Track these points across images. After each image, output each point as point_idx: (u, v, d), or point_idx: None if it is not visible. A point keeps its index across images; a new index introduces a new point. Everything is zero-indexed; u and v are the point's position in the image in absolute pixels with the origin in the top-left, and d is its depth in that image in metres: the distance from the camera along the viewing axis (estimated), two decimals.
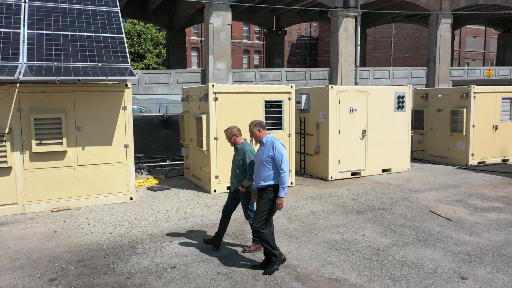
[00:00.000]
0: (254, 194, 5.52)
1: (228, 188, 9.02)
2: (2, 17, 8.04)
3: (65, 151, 7.93)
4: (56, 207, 7.94)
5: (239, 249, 5.93)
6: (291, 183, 10.00)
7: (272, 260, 5.16)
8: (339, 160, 10.66)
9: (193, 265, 5.40)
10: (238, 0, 25.96)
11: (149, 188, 9.68)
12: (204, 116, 9.05)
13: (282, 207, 5.16)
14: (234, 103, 9.25)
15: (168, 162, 12.71)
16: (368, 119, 10.95)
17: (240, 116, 9.20)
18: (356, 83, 26.72)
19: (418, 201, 8.57)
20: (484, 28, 56.85)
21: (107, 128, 8.23)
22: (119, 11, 9.16)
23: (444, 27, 28.68)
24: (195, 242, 6.24)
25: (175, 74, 24.49)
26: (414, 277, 5.05)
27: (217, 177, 9.22)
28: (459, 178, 10.87)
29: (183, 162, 12.37)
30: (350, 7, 26.02)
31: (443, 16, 28.39)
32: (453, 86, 28.45)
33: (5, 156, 7.46)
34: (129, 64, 8.15)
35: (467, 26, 46.07)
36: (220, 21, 23.61)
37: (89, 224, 7.11)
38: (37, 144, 7.61)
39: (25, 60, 7.54)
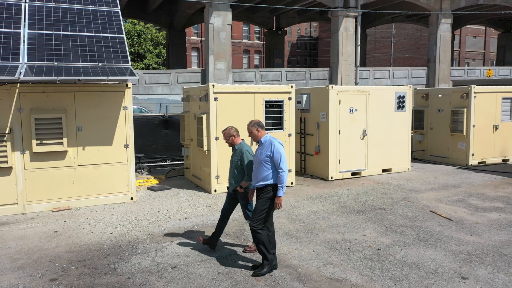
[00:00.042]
0: (251, 193, 5.52)
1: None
2: (3, 17, 8.05)
3: (66, 151, 7.93)
4: (56, 207, 7.94)
5: (240, 249, 5.93)
6: (292, 183, 10.01)
7: (263, 263, 5.13)
8: (339, 160, 10.66)
9: (194, 265, 5.40)
10: (238, 0, 25.96)
11: (149, 188, 9.68)
12: (204, 116, 9.05)
13: (281, 207, 5.16)
14: (235, 103, 9.25)
15: (168, 162, 12.71)
16: (368, 119, 10.95)
17: (240, 116, 9.20)
18: (356, 83, 26.72)
19: (419, 201, 8.57)
20: (484, 28, 56.86)
21: (108, 128, 8.23)
22: (120, 11, 9.16)
23: (444, 27, 28.68)
24: (195, 242, 6.24)
25: (175, 74, 24.49)
26: (415, 277, 5.05)
27: (217, 177, 9.22)
28: (459, 178, 10.87)
29: (183, 162, 12.38)
30: (350, 7, 26.02)
31: (443, 16, 28.39)
32: (453, 86, 28.46)
33: (6, 156, 7.46)
34: (130, 64, 8.15)
35: (467, 26, 46.08)
36: (220, 21, 23.61)
37: (89, 224, 7.11)
38: (37, 144, 7.61)
39: (25, 60, 7.54)
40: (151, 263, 5.48)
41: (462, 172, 11.68)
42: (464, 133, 12.39)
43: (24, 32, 7.98)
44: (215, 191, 9.24)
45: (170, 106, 23.05)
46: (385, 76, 29.08)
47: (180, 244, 6.15)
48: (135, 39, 48.60)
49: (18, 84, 7.51)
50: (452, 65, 37.74)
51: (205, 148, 9.13)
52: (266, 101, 9.59)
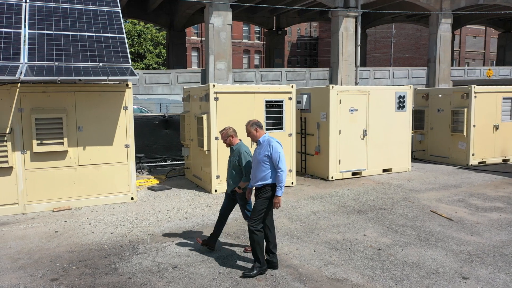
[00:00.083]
0: (248, 192, 5.51)
1: None
2: (3, 17, 8.05)
3: (66, 151, 7.93)
4: (57, 207, 7.94)
5: (240, 249, 5.93)
6: (292, 183, 10.01)
7: (254, 265, 5.09)
8: (339, 160, 10.66)
9: (195, 265, 5.40)
10: (239, 0, 25.96)
11: (150, 188, 9.68)
12: (205, 116, 9.05)
13: (279, 206, 5.15)
14: (235, 103, 9.25)
15: (168, 162, 12.71)
16: (368, 119, 10.95)
17: (241, 116, 9.20)
18: (356, 83, 26.73)
19: (419, 201, 8.57)
20: (484, 28, 56.86)
21: (108, 128, 8.24)
22: (120, 11, 9.16)
23: (444, 27, 28.69)
24: (196, 242, 6.23)
25: (176, 74, 24.49)
26: (415, 277, 5.05)
27: (218, 177, 9.22)
28: (459, 178, 10.87)
29: (183, 162, 12.38)
30: (351, 7, 26.02)
31: (443, 16, 28.39)
32: (453, 86, 28.46)
33: (6, 156, 7.46)
34: (130, 64, 8.15)
35: (467, 26, 46.08)
36: (220, 21, 23.61)
37: (90, 224, 7.11)
38: (38, 144, 7.61)
39: (26, 60, 7.54)
40: (152, 263, 5.48)
41: (462, 172, 11.69)
42: (465, 133, 12.39)
43: (25, 32, 7.98)
44: (216, 191, 9.24)
45: (170, 106, 23.06)
46: (385, 76, 29.09)
47: (180, 244, 6.15)
48: (135, 39, 48.61)
49: (19, 84, 7.51)
50: (452, 65, 37.75)
51: (205, 148, 9.13)
52: (267, 101, 9.59)
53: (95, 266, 5.39)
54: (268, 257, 5.28)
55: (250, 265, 5.34)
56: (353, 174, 10.95)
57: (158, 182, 10.50)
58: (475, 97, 12.27)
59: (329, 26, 30.02)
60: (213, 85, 9.00)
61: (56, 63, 7.68)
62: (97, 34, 8.47)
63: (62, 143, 7.77)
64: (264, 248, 5.23)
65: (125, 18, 34.43)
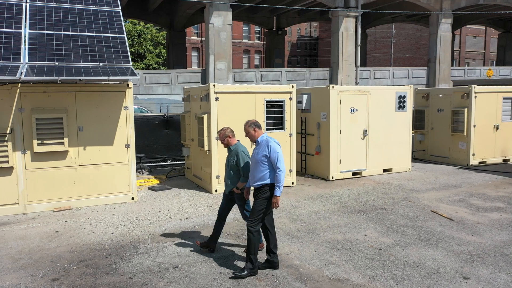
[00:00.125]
0: (246, 192, 5.51)
1: None
2: (4, 17, 8.05)
3: (67, 151, 7.93)
4: (57, 207, 7.94)
5: (241, 249, 5.92)
6: (292, 183, 10.01)
7: (246, 266, 5.06)
8: (340, 160, 10.66)
9: (195, 265, 5.40)
10: (239, 0, 25.95)
11: (150, 188, 9.68)
12: (205, 116, 9.05)
13: (278, 206, 5.15)
14: (235, 103, 9.25)
15: (169, 162, 12.71)
16: (369, 119, 10.95)
17: (241, 116, 9.19)
18: (356, 83, 26.73)
19: (420, 201, 8.57)
20: (484, 28, 56.86)
21: (109, 128, 8.23)
22: (120, 11, 9.16)
23: (445, 27, 28.68)
24: (198, 240, 6.23)
25: (176, 74, 24.49)
26: (416, 277, 5.05)
27: (218, 177, 9.22)
28: (460, 178, 10.87)
29: (184, 162, 12.38)
30: (351, 7, 26.02)
31: (443, 16, 28.39)
32: (453, 86, 28.46)
33: (7, 156, 7.46)
34: (131, 64, 8.15)
35: (467, 26, 46.08)
36: (220, 21, 23.61)
37: (90, 224, 7.11)
38: (38, 144, 7.61)
39: (26, 60, 7.54)
40: (153, 263, 5.48)
41: (462, 172, 11.69)
42: (465, 133, 12.39)
43: (25, 32, 7.98)
44: (216, 191, 9.24)
45: (171, 106, 23.06)
46: (385, 76, 29.09)
47: (181, 244, 6.15)
48: (135, 39, 48.61)
49: (19, 84, 7.51)
50: (452, 65, 37.75)
51: (206, 148, 9.13)
52: (267, 101, 9.59)
53: (96, 266, 5.39)
54: (269, 257, 5.27)
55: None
56: (354, 174, 10.95)
57: (158, 182, 10.50)
58: (475, 97, 12.27)
59: (329, 26, 30.03)
60: (214, 85, 9.00)
61: (57, 63, 7.68)
62: (97, 34, 8.47)
63: (63, 143, 7.77)
64: (272, 244, 5.23)
65: (125, 18, 34.43)
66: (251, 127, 5.30)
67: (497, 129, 12.81)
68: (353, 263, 5.45)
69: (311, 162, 11.26)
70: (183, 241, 6.28)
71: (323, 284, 4.90)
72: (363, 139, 10.93)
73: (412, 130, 12.72)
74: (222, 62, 23.95)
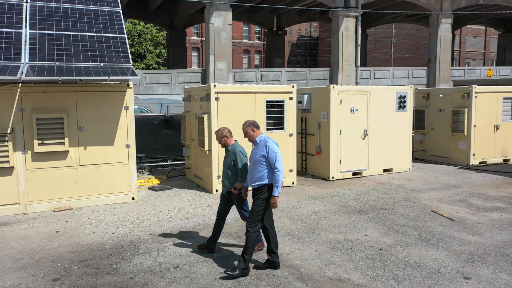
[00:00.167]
0: (244, 191, 5.50)
1: None
2: (4, 17, 8.05)
3: (67, 151, 7.93)
4: (58, 207, 7.94)
5: (242, 249, 5.91)
6: (293, 183, 10.00)
7: (238, 265, 5.04)
8: (340, 160, 10.66)
9: (196, 265, 5.40)
10: (239, 0, 25.95)
11: (150, 188, 9.68)
12: (205, 116, 9.05)
13: (276, 206, 5.14)
14: (236, 103, 9.25)
15: (169, 162, 12.71)
16: (369, 119, 10.95)
17: (241, 116, 9.19)
18: (356, 83, 26.73)
19: (420, 201, 8.57)
20: (484, 28, 56.86)
21: (109, 128, 8.23)
22: (121, 11, 9.16)
23: (445, 27, 28.69)
24: (198, 242, 6.23)
25: (176, 74, 24.49)
26: (417, 277, 5.05)
27: (218, 177, 9.22)
28: (460, 178, 10.87)
29: (184, 162, 12.38)
30: (351, 7, 26.02)
31: (443, 16, 28.39)
32: (453, 86, 28.46)
33: (7, 156, 7.46)
34: (131, 64, 8.15)
35: (468, 26, 46.08)
36: (220, 21, 23.61)
37: (91, 224, 7.11)
38: (39, 144, 7.61)
39: (27, 60, 7.54)
40: (153, 263, 5.48)
41: (463, 172, 11.68)
42: (465, 133, 12.39)
43: (26, 32, 7.98)
44: (217, 191, 9.24)
45: (171, 106, 23.06)
46: (385, 76, 29.09)
47: (182, 244, 6.15)
48: (135, 39, 48.62)
49: (20, 84, 7.51)
50: (452, 65, 37.75)
51: (206, 148, 9.13)
52: (267, 101, 9.59)
53: (96, 266, 5.39)
54: (270, 257, 5.27)
55: (251, 265, 5.34)
56: (354, 174, 10.95)
57: (159, 182, 10.50)
58: (475, 97, 12.27)
59: (329, 26, 30.03)
60: (214, 85, 9.00)
61: (57, 63, 7.68)
62: (98, 34, 8.47)
63: (63, 143, 7.77)
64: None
65: (126, 18, 34.43)
66: (249, 128, 5.30)
67: (497, 129, 12.81)
68: (354, 263, 5.45)
69: (312, 162, 11.26)
70: (183, 241, 6.28)
71: (324, 284, 4.90)
72: (363, 139, 10.93)
73: (413, 130, 12.72)
74: (222, 62, 23.95)
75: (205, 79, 24.50)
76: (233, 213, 7.46)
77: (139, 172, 11.57)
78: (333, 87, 10.39)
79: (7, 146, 7.43)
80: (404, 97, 11.43)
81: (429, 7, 28.29)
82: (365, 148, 10.99)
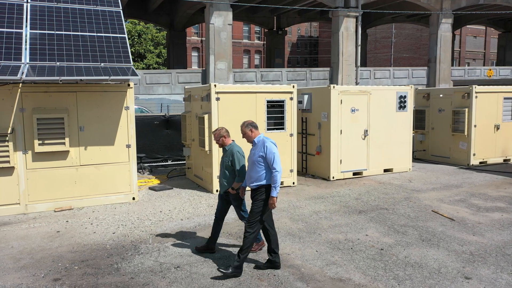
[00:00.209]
0: (242, 190, 5.49)
1: None
2: (5, 17, 8.05)
3: (68, 151, 7.93)
4: (58, 207, 7.94)
5: None
6: (293, 183, 10.00)
7: (233, 264, 5.03)
8: (341, 160, 10.66)
9: (197, 265, 5.40)
10: (239, 0, 25.95)
11: (151, 188, 9.68)
12: (206, 116, 9.05)
13: (275, 207, 5.13)
14: (236, 103, 9.25)
15: (169, 162, 12.71)
16: (370, 119, 10.95)
17: (242, 116, 9.19)
18: (356, 83, 26.73)
19: (421, 201, 8.57)
20: (484, 28, 56.85)
21: (110, 128, 8.23)
22: (121, 11, 9.16)
23: (445, 27, 28.69)
24: (198, 242, 6.23)
25: (176, 74, 24.49)
26: (418, 277, 5.05)
27: (219, 177, 9.21)
28: (461, 178, 10.87)
29: (184, 162, 12.38)
30: (351, 7, 26.02)
31: (443, 16, 28.39)
32: (453, 86, 28.46)
33: (8, 156, 7.46)
34: (131, 64, 8.15)
35: (468, 26, 46.08)
36: (221, 21, 23.61)
37: (92, 224, 7.11)
38: (39, 144, 7.61)
39: (27, 60, 7.54)
40: (154, 263, 5.48)
41: (463, 172, 11.68)
42: (466, 133, 12.39)
43: (26, 32, 7.98)
44: (217, 191, 9.24)
45: (171, 106, 23.07)
46: (385, 76, 29.09)
47: (182, 244, 6.15)
48: (135, 39, 48.62)
49: (20, 84, 7.51)
50: (452, 65, 37.75)
51: (206, 148, 9.13)
52: (268, 101, 9.59)
53: (97, 266, 5.38)
54: (271, 257, 5.28)
55: (251, 265, 5.35)
56: (354, 174, 10.95)
57: (159, 182, 10.50)
58: (476, 97, 12.27)
59: (330, 26, 30.03)
60: (215, 85, 9.00)
61: (58, 63, 7.67)
62: (98, 34, 8.47)
63: (64, 143, 7.77)
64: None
65: (126, 18, 34.43)
66: (247, 128, 5.30)
67: (497, 129, 12.81)
68: (354, 263, 5.45)
69: (312, 162, 11.26)
70: (184, 241, 6.28)
71: (325, 284, 4.90)
72: (363, 139, 10.93)
73: (413, 130, 12.71)
74: (222, 62, 23.95)
75: (205, 79, 24.50)
76: (233, 213, 7.46)
77: (140, 172, 11.57)
78: (334, 87, 10.39)
79: (7, 146, 7.43)
80: (405, 97, 11.43)
81: (429, 7, 28.29)
82: (366, 148, 10.99)
